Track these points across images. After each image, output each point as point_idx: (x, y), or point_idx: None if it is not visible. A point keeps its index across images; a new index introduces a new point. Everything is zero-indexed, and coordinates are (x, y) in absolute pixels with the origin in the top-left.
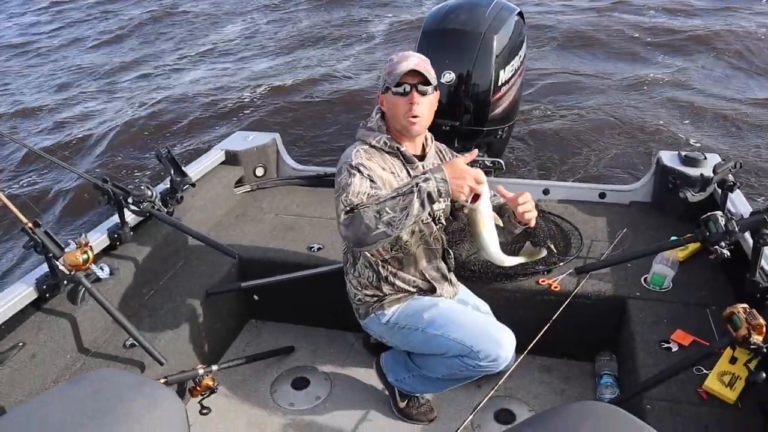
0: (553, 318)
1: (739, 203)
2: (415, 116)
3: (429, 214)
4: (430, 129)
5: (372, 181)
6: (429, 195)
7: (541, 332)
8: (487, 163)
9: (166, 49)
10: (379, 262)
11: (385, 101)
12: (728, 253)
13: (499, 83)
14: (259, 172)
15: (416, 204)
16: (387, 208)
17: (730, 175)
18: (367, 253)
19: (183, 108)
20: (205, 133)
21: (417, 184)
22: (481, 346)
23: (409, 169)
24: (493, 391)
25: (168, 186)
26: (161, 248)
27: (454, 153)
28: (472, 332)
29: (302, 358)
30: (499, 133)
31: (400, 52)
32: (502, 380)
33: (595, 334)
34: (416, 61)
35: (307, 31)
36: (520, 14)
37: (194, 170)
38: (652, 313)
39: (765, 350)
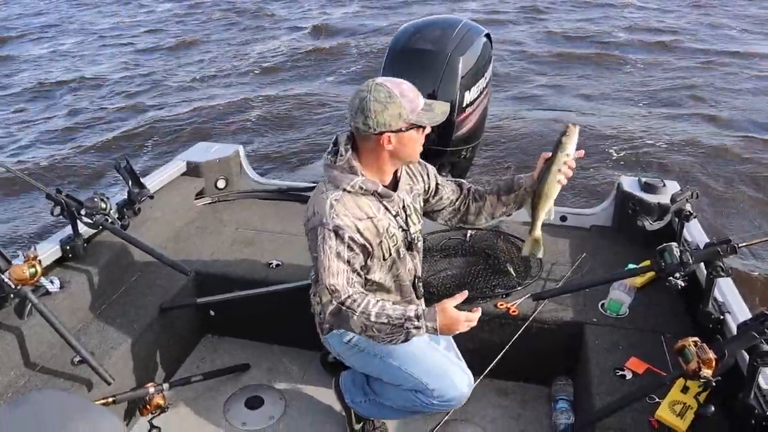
0: (511, 342)
1: (696, 233)
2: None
3: (405, 245)
4: None
5: (351, 249)
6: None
7: (498, 356)
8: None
9: (136, 62)
10: None
11: (400, 139)
12: (682, 284)
13: (464, 104)
14: (221, 184)
15: (401, 339)
16: (374, 328)
17: (687, 205)
18: None
19: (146, 119)
20: (168, 144)
21: (408, 330)
22: (437, 384)
23: (387, 204)
24: (448, 416)
25: (126, 197)
26: (115, 261)
27: (424, 164)
28: (430, 370)
29: (258, 375)
30: (464, 153)
31: (401, 84)
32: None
33: (552, 358)
34: (443, 108)
35: (271, 50)
36: (488, 36)
37: (154, 181)
38: (608, 339)
39: (714, 384)
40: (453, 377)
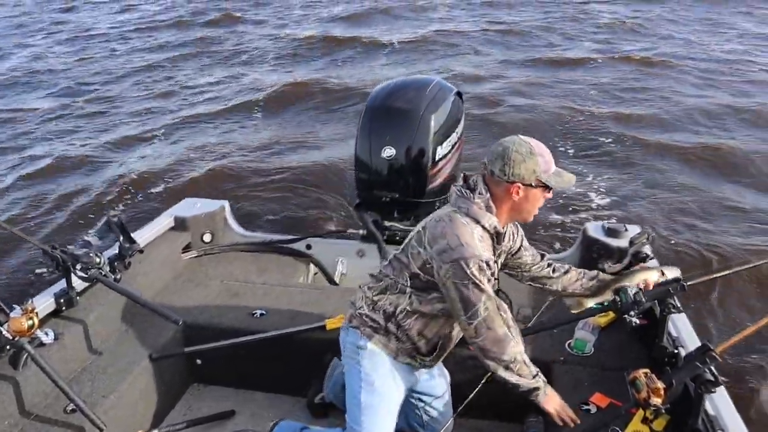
0: (483, 381)
1: None
2: None
3: None
4: (370, 200)
5: (489, 282)
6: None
7: (471, 395)
8: None
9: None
10: (414, 314)
11: (527, 194)
12: (637, 321)
13: (437, 158)
14: (207, 238)
15: (524, 387)
16: (514, 367)
17: (644, 247)
18: (423, 311)
19: (134, 174)
20: (154, 201)
21: (537, 393)
22: None
23: (495, 246)
24: None
25: (117, 252)
26: (107, 313)
27: (518, 227)
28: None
29: (242, 422)
30: (437, 204)
31: (541, 146)
32: None
33: (523, 396)
34: (571, 179)
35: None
36: (458, 94)
37: (143, 236)
38: (574, 376)
39: (663, 411)
40: None
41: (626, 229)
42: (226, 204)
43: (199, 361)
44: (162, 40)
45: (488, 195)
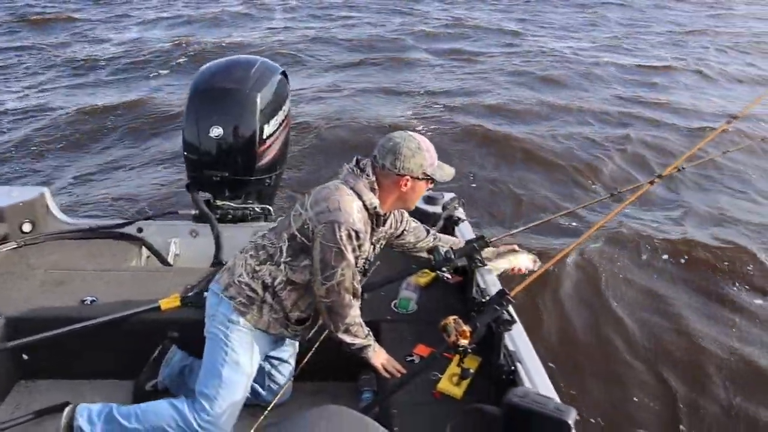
0: (316, 345)
1: (466, 233)
2: None
3: (361, 271)
4: (200, 181)
5: (354, 253)
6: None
7: (306, 358)
8: (257, 210)
9: None
10: (294, 286)
11: (413, 185)
12: (449, 277)
13: (264, 136)
14: (27, 227)
15: (357, 346)
16: (352, 329)
17: (456, 211)
18: (297, 281)
19: None
20: None
21: (367, 350)
22: (216, 420)
23: (373, 232)
24: (263, 418)
25: None
26: None
27: (402, 213)
28: (225, 403)
29: None
30: (267, 181)
31: (427, 142)
32: (271, 406)
33: (355, 355)
34: (450, 171)
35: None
36: (284, 74)
37: None
38: (399, 333)
39: (469, 351)
40: (230, 419)
41: (443, 197)
42: (45, 191)
43: (25, 356)
44: None
45: (374, 179)
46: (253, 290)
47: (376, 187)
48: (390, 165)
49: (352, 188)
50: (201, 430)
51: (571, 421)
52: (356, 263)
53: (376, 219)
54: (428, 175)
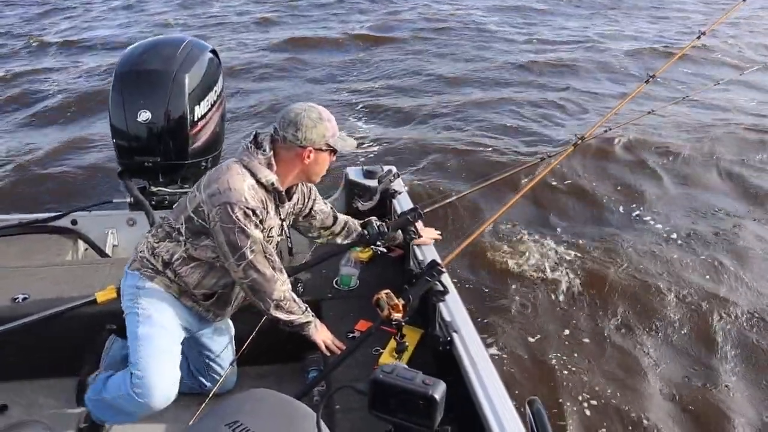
0: (257, 328)
1: (405, 206)
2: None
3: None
4: (132, 167)
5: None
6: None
7: (247, 342)
8: None
9: None
10: (194, 260)
11: (317, 157)
12: (384, 250)
13: (196, 118)
14: None
15: (296, 323)
16: (284, 305)
17: (393, 184)
18: (197, 256)
19: None
20: None
21: (308, 327)
22: (145, 379)
23: (279, 208)
24: (204, 406)
25: None
26: None
27: (311, 188)
28: (148, 357)
29: (17, 415)
30: (203, 164)
31: (325, 110)
32: (212, 394)
33: (296, 333)
34: (354, 142)
35: None
36: (214, 52)
37: None
38: (341, 309)
39: (403, 323)
40: (161, 382)
41: (382, 170)
42: None
43: None
44: None
45: (271, 154)
46: (154, 266)
47: (273, 162)
48: (291, 137)
49: (245, 166)
50: (135, 394)
51: (437, 396)
52: (267, 237)
53: (278, 195)
54: (330, 146)
